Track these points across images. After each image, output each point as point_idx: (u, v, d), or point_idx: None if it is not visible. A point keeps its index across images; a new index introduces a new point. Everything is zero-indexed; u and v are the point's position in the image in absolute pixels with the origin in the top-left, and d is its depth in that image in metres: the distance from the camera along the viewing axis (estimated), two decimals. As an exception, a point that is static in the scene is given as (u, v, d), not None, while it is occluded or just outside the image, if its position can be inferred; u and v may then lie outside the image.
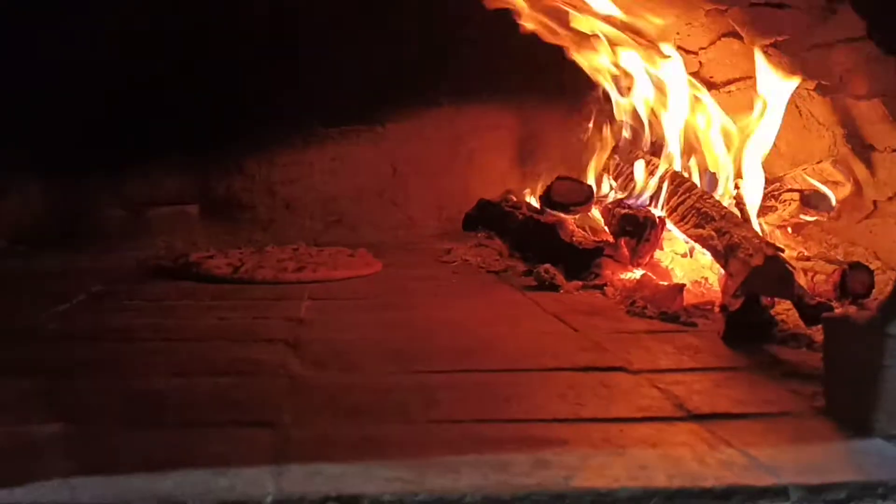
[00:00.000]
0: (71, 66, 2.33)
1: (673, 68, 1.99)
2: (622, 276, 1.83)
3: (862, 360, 1.00)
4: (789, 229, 1.93)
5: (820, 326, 1.37)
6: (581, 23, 2.06)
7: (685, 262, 1.85)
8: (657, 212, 1.89)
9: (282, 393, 1.15)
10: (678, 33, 2.05)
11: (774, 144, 1.89)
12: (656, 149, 2.06)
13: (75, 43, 2.31)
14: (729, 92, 2.01)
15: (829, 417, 1.05)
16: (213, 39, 2.46)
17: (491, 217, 2.26)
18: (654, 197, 1.90)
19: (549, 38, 2.15)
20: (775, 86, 1.82)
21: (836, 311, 1.44)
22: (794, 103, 1.91)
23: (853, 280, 1.59)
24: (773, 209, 1.90)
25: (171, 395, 1.14)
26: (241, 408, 1.10)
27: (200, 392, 1.15)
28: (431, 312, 1.67)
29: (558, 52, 2.35)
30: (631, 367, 1.26)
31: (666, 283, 1.71)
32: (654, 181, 1.93)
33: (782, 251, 1.48)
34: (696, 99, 1.98)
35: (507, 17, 2.27)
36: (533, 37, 2.27)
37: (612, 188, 2.14)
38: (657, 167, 1.97)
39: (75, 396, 1.13)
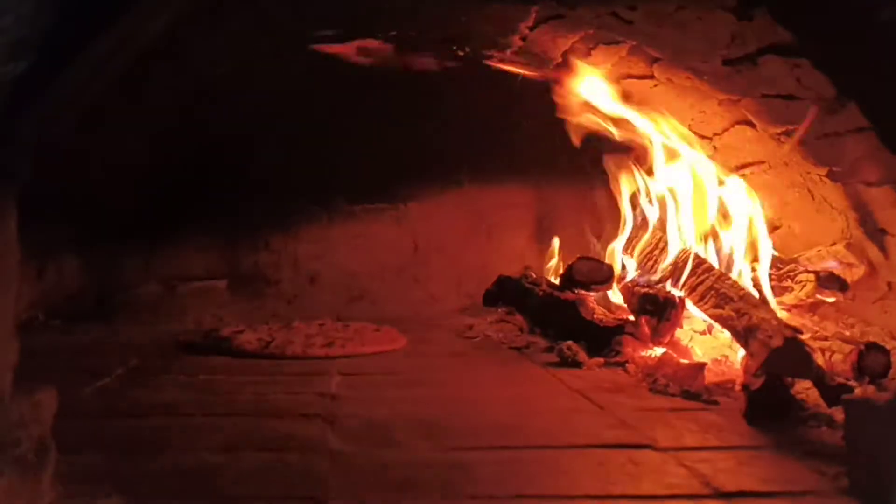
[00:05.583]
0: (107, 152, 2.42)
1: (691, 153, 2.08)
2: (643, 354, 1.88)
3: (884, 440, 1.04)
4: (806, 310, 1.98)
5: (840, 406, 1.41)
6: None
7: (704, 340, 1.90)
8: (676, 292, 1.94)
9: (323, 468, 1.19)
10: (692, 119, 2.13)
11: (788, 226, 1.95)
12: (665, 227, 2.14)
13: (113, 134, 2.39)
14: (743, 175, 2.08)
15: (853, 497, 1.08)
16: (238, 123, 2.55)
17: (511, 293, 2.30)
18: (674, 277, 1.96)
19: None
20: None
21: (856, 391, 1.48)
22: (806, 187, 1.98)
23: (870, 360, 1.63)
24: (789, 290, 1.95)
25: (222, 470, 1.19)
26: (287, 482, 1.14)
27: (247, 467, 1.20)
28: (460, 388, 1.72)
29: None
30: (657, 445, 1.30)
31: (687, 362, 1.75)
32: (671, 261, 1.99)
33: (801, 332, 1.52)
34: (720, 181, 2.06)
35: (525, 104, 2.37)
36: (549, 121, 2.38)
37: (626, 267, 2.19)
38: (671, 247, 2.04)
39: (132, 472, 1.18)
